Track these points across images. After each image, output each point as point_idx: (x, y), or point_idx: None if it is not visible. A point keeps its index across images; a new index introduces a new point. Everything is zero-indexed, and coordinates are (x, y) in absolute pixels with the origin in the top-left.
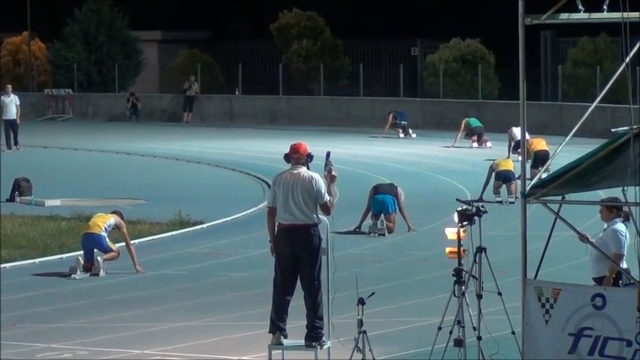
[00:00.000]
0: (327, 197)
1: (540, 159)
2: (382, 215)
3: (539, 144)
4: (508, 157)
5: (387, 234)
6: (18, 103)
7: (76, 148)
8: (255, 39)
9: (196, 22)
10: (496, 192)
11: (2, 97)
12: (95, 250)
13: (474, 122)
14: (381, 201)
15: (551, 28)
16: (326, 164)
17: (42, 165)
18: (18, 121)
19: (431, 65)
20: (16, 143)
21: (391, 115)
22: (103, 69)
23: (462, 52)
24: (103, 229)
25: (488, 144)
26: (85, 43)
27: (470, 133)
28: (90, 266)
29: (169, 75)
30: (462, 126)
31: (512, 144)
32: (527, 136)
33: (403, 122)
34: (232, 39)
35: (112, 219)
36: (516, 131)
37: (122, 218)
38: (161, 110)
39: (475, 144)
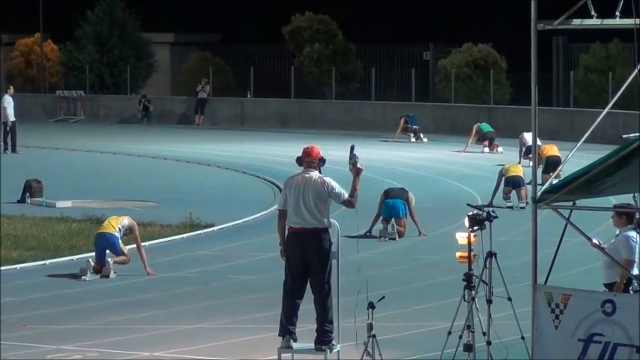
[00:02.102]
0: (345, 195)
1: (552, 164)
2: (393, 219)
3: (551, 150)
4: (519, 163)
5: (397, 238)
6: (12, 104)
7: (88, 149)
8: (267, 42)
9: (208, 24)
10: (506, 197)
11: (5, 96)
12: (107, 251)
13: (486, 127)
14: (392, 205)
15: (563, 33)
16: (351, 157)
17: (53, 166)
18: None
19: (443, 70)
20: (14, 148)
21: (402, 120)
22: (114, 71)
23: (474, 56)
24: (117, 229)
25: (500, 149)
26: (97, 45)
27: (481, 138)
28: (100, 267)
29: (181, 77)
30: (474, 131)
31: (524, 149)
32: (539, 142)
33: (415, 126)
34: (244, 42)
35: (126, 220)
36: (527, 137)
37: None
38: (172, 112)
39: (486, 149)
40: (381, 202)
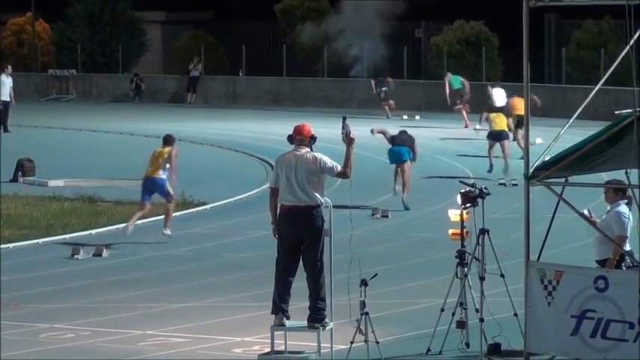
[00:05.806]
0: (338, 167)
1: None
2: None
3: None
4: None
5: (402, 190)
6: (12, 85)
7: (80, 128)
8: (259, 20)
9: (200, 2)
10: (490, 151)
11: (2, 76)
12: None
13: (456, 82)
14: (398, 151)
15: (555, 10)
16: (343, 127)
17: (45, 145)
18: (13, 103)
19: (435, 47)
20: (6, 128)
21: (373, 83)
22: (106, 50)
23: (465, 34)
24: (161, 172)
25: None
26: (89, 24)
27: (453, 96)
28: (142, 207)
29: (173, 56)
30: (447, 84)
31: (490, 101)
32: (507, 98)
33: (383, 89)
34: (236, 20)
35: (167, 152)
36: (494, 92)
37: (173, 142)
38: (165, 91)
39: (478, 125)
40: (388, 152)
